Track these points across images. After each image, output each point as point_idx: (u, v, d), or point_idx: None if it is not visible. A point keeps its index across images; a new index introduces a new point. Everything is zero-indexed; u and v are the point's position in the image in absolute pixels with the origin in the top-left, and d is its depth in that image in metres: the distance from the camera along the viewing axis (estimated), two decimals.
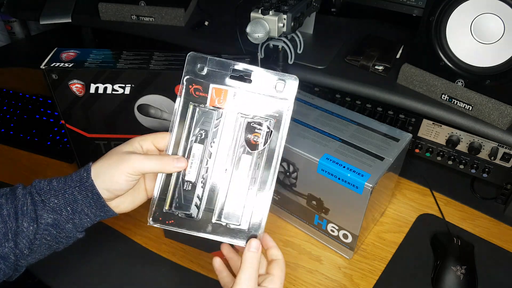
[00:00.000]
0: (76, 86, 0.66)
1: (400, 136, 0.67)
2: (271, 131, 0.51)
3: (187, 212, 0.51)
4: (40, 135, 0.91)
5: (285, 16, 0.69)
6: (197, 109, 0.51)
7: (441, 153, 0.79)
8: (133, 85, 0.66)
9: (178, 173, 0.51)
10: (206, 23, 0.96)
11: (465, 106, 0.70)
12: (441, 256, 0.67)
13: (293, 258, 0.70)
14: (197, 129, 0.51)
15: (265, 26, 0.69)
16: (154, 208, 0.51)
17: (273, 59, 0.78)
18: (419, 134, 0.79)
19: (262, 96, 0.51)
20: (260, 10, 0.69)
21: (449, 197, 0.80)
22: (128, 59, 0.67)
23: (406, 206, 0.79)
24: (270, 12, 0.69)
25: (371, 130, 0.68)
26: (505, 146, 0.71)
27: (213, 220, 0.51)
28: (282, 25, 0.70)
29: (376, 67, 0.80)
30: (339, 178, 0.61)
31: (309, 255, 0.70)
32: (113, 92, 0.67)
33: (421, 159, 0.83)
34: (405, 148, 0.67)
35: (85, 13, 1.01)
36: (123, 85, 0.66)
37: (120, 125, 0.71)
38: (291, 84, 0.51)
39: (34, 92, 1.01)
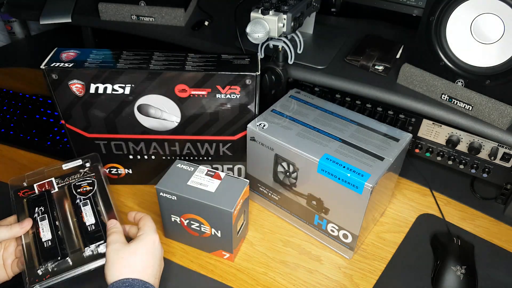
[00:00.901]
0: (76, 86, 0.66)
1: (400, 136, 0.67)
2: (94, 180, 0.68)
3: (58, 258, 0.58)
4: (40, 135, 0.91)
5: (285, 16, 0.69)
6: (29, 200, 0.65)
7: (441, 153, 0.79)
8: (133, 85, 0.66)
9: (36, 241, 0.60)
10: (206, 23, 0.96)
11: (465, 106, 0.70)
12: (441, 256, 0.67)
13: (293, 258, 0.70)
14: (36, 209, 0.64)
15: (265, 26, 0.69)
16: (27, 278, 0.57)
17: (273, 59, 0.78)
18: (419, 134, 0.79)
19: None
20: (260, 10, 0.69)
21: (449, 197, 0.80)
22: (128, 59, 0.67)
23: (406, 206, 0.79)
24: (270, 12, 0.69)
25: (371, 130, 0.68)
26: (505, 146, 0.71)
27: (85, 253, 0.60)
28: (282, 25, 0.70)
29: (376, 67, 0.80)
30: (339, 178, 0.61)
31: (309, 255, 0.70)
32: (113, 92, 0.67)
33: (421, 159, 0.83)
34: (405, 148, 0.67)
35: (85, 13, 1.01)
36: (123, 85, 0.66)
37: (120, 125, 0.71)
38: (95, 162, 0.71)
39: (34, 92, 1.01)
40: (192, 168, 0.67)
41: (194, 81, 0.66)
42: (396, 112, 0.80)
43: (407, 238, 0.73)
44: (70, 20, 1.00)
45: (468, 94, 0.68)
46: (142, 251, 0.57)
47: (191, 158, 0.77)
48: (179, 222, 0.67)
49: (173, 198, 0.64)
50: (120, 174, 0.79)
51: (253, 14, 0.70)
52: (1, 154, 0.89)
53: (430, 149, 0.80)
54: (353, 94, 0.79)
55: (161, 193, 0.64)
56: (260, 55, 0.80)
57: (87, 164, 0.72)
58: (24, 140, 0.90)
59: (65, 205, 0.67)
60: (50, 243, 0.60)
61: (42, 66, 0.65)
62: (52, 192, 0.68)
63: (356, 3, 0.89)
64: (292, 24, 0.71)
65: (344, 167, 0.61)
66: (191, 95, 0.67)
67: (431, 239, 0.72)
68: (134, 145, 0.75)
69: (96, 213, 0.64)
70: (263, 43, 0.77)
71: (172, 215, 0.67)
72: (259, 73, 0.66)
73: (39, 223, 0.63)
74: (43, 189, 0.67)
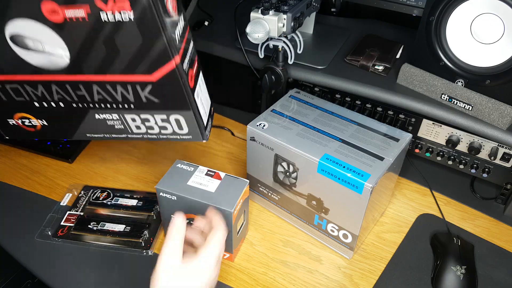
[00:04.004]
0: None
1: (400, 136, 0.67)
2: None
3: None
4: None
5: (285, 16, 0.69)
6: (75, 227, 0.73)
7: (441, 153, 0.79)
8: None
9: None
10: (206, 23, 0.96)
11: (465, 106, 0.70)
12: (441, 256, 0.67)
13: (293, 258, 0.70)
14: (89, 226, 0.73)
15: (265, 26, 0.69)
16: None
17: (273, 59, 0.78)
18: (419, 134, 0.79)
19: None
20: (260, 10, 0.69)
21: (449, 197, 0.80)
22: None
23: (406, 206, 0.79)
24: (270, 12, 0.69)
25: (371, 130, 0.68)
26: (505, 146, 0.71)
27: None
28: (282, 25, 0.70)
29: (376, 67, 0.80)
30: (339, 178, 0.61)
31: (309, 255, 0.70)
32: None
33: (421, 159, 0.83)
34: (405, 148, 0.67)
35: None
36: None
37: (2, 63, 0.60)
38: None
39: None
40: (192, 168, 0.67)
41: None
42: (396, 112, 0.80)
43: (407, 238, 0.73)
44: None
45: (468, 94, 0.68)
46: (203, 275, 0.51)
47: (108, 106, 0.63)
48: None
49: (173, 198, 0.64)
50: (36, 126, 0.69)
51: (253, 14, 0.70)
52: (1, 154, 0.89)
53: (430, 149, 0.80)
54: (353, 94, 0.79)
55: (161, 193, 0.64)
56: (260, 55, 0.80)
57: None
58: (24, 140, 0.90)
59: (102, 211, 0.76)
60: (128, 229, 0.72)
61: None
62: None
63: (356, 3, 0.89)
64: (292, 24, 0.71)
65: (344, 167, 0.61)
66: (67, 19, 0.53)
67: (431, 239, 0.72)
68: (32, 89, 0.63)
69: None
70: (263, 43, 0.77)
71: (172, 215, 0.67)
72: None
73: (106, 225, 0.72)
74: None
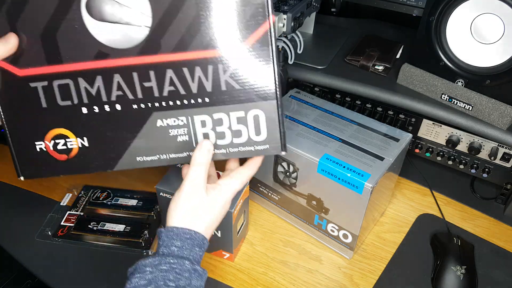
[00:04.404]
0: None
1: (400, 136, 0.67)
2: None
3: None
4: None
5: (285, 16, 0.69)
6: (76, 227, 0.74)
7: (441, 153, 0.79)
8: None
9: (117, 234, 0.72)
10: None
11: (465, 106, 0.70)
12: (441, 256, 0.67)
13: (293, 258, 0.70)
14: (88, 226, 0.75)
15: None
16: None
17: None
18: (419, 134, 0.79)
19: None
20: None
21: (449, 197, 0.80)
22: None
23: (406, 206, 0.79)
24: None
25: (371, 130, 0.68)
26: (505, 146, 0.71)
27: None
28: (282, 25, 0.70)
29: (376, 67, 0.80)
30: (339, 178, 0.61)
31: (309, 255, 0.70)
32: None
33: (421, 159, 0.83)
34: (405, 148, 0.67)
35: None
36: None
37: (65, 44, 0.48)
38: None
39: None
40: None
41: None
42: (396, 112, 0.80)
43: (407, 238, 0.73)
44: None
45: (468, 94, 0.68)
46: (218, 207, 0.51)
47: (178, 102, 0.50)
48: None
49: None
50: (72, 149, 0.52)
51: None
52: (2, 154, 0.89)
53: (430, 149, 0.80)
54: (353, 94, 0.79)
55: (161, 193, 0.64)
56: None
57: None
58: None
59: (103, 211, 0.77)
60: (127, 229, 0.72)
61: None
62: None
63: (356, 3, 0.89)
64: (292, 24, 0.71)
65: (344, 167, 0.61)
66: None
67: (431, 239, 0.72)
68: (87, 84, 0.49)
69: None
70: None
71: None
72: None
73: (106, 225, 0.73)
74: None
